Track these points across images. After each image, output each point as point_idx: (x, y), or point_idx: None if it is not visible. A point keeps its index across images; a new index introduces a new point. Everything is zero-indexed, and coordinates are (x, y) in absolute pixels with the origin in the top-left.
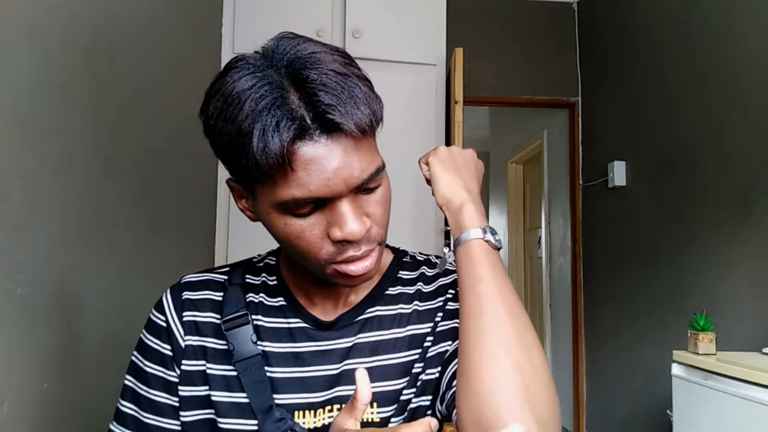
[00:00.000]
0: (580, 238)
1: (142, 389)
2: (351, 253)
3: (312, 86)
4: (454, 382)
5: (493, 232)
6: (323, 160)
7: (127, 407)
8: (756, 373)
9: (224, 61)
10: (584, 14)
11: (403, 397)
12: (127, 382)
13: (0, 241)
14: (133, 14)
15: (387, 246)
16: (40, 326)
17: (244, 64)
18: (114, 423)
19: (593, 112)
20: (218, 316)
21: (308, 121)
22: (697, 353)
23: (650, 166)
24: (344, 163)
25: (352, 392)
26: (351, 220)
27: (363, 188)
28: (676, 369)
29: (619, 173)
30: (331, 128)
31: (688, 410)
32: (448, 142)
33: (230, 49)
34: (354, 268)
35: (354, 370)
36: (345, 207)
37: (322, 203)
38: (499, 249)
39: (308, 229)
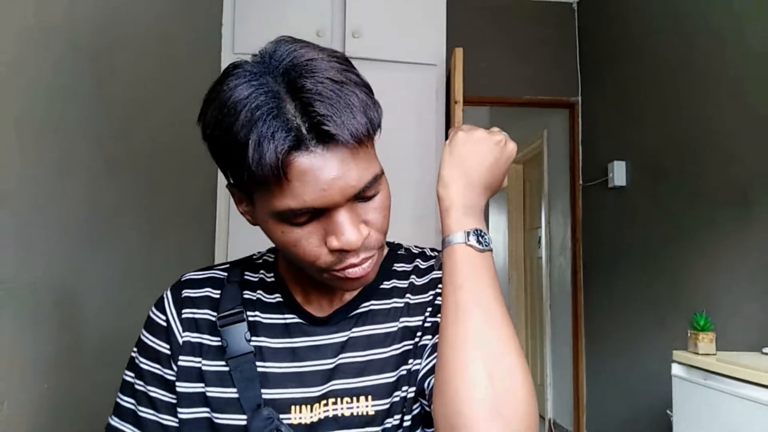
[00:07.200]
0: (580, 238)
1: (139, 384)
2: (350, 261)
3: (308, 96)
4: (430, 377)
5: (480, 234)
6: (319, 171)
7: (126, 401)
8: (756, 373)
9: (224, 62)
10: (584, 14)
11: (397, 391)
12: (126, 377)
13: (0, 241)
14: (134, 15)
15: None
16: (40, 326)
17: (242, 71)
18: (113, 417)
19: (593, 112)
20: (214, 313)
21: (304, 132)
22: (697, 353)
23: (650, 166)
24: (340, 173)
25: (346, 386)
26: (348, 230)
27: (360, 196)
28: (676, 369)
29: (619, 173)
30: (326, 139)
31: (689, 410)
32: None
33: (230, 49)
34: (351, 272)
35: (349, 364)
36: (342, 216)
37: (318, 213)
38: (487, 251)
39: (305, 237)
